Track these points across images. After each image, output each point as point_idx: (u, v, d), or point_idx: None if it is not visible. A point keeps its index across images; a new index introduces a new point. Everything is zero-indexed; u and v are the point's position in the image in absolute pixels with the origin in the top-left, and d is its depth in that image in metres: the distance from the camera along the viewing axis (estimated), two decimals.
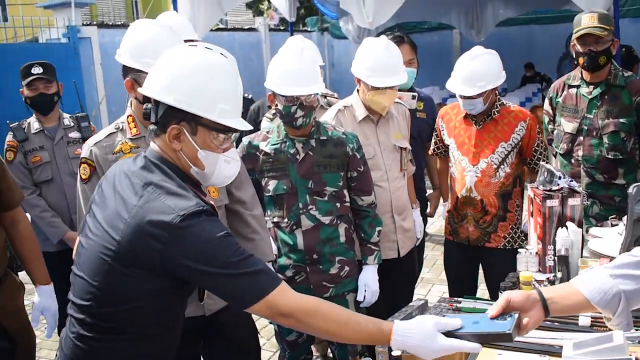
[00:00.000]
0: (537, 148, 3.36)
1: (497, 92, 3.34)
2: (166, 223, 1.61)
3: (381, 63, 3.14)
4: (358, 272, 3.02)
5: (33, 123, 3.90)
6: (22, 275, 2.86)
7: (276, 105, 2.87)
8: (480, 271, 3.59)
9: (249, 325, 2.86)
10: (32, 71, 3.82)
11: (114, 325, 1.73)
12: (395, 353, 1.97)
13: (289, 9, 9.45)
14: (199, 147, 1.74)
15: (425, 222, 3.99)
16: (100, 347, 1.75)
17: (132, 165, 1.78)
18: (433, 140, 3.70)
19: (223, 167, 1.80)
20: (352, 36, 11.26)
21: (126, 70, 2.45)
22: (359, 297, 3.00)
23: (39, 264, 2.84)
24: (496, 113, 3.33)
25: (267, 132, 2.99)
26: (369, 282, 3.00)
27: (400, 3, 6.49)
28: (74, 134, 3.96)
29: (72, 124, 3.98)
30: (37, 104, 3.87)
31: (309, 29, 16.69)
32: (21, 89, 3.86)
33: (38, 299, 2.81)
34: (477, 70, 3.21)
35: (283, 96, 2.80)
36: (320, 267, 2.91)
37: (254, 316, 2.79)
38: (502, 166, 3.31)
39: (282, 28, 16.08)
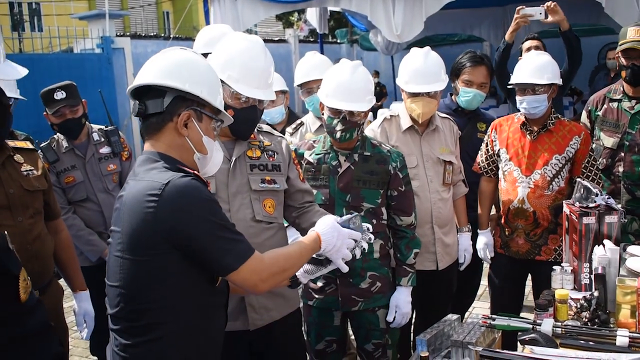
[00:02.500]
0: (586, 165, 3.27)
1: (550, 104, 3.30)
2: (153, 193, 1.71)
3: (418, 70, 3.19)
4: (391, 288, 2.99)
5: (62, 141, 3.71)
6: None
7: (322, 113, 2.92)
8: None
9: (300, 339, 2.83)
10: (55, 97, 3.54)
11: (144, 323, 1.78)
12: (422, 354, 2.18)
13: (319, 20, 9.50)
14: (202, 133, 1.90)
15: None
16: (142, 352, 1.80)
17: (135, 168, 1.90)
18: (483, 156, 3.51)
19: (216, 155, 1.99)
20: (381, 48, 11.26)
21: None
22: (389, 318, 2.96)
23: (78, 271, 2.99)
24: (551, 125, 3.28)
25: (314, 142, 3.01)
26: (400, 304, 2.95)
27: (423, 18, 6.54)
28: (105, 149, 3.79)
29: (102, 139, 3.79)
30: (65, 131, 3.67)
31: (338, 41, 16.74)
32: (45, 113, 3.62)
33: (79, 305, 2.96)
34: (545, 62, 3.24)
35: (328, 107, 2.83)
36: (350, 280, 2.88)
37: None
38: (556, 179, 3.25)
39: (311, 40, 16.15)
